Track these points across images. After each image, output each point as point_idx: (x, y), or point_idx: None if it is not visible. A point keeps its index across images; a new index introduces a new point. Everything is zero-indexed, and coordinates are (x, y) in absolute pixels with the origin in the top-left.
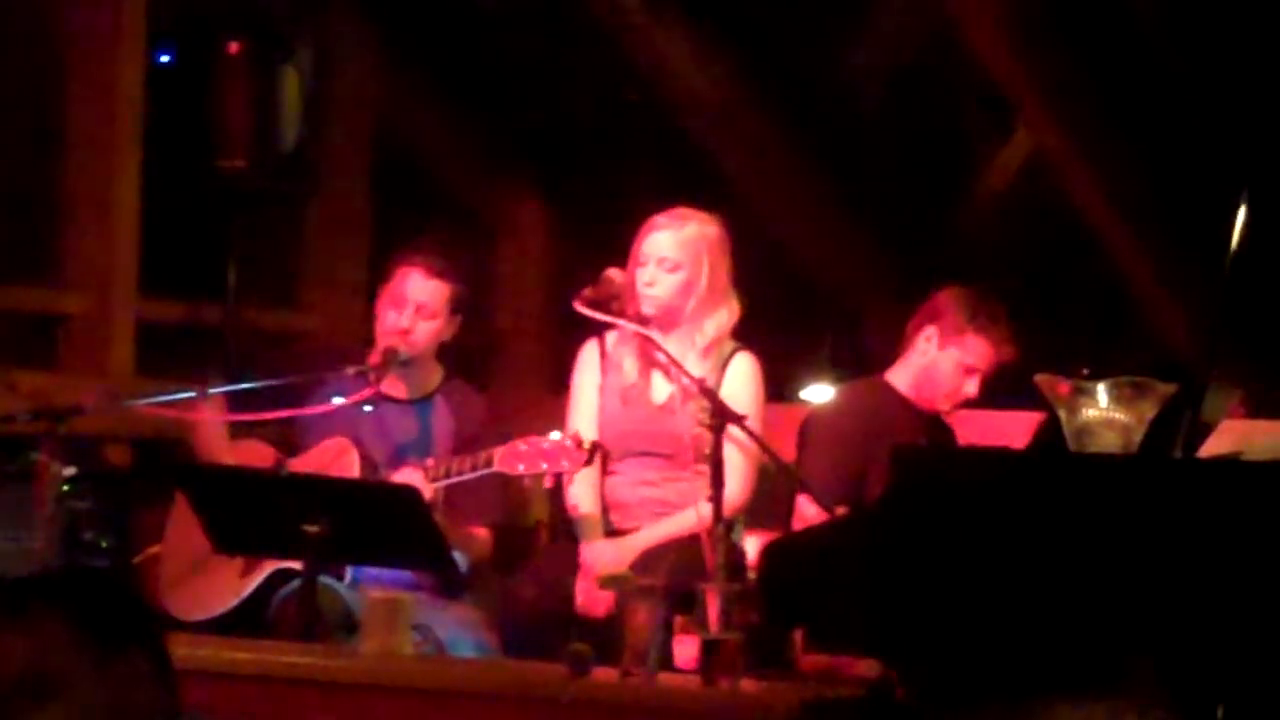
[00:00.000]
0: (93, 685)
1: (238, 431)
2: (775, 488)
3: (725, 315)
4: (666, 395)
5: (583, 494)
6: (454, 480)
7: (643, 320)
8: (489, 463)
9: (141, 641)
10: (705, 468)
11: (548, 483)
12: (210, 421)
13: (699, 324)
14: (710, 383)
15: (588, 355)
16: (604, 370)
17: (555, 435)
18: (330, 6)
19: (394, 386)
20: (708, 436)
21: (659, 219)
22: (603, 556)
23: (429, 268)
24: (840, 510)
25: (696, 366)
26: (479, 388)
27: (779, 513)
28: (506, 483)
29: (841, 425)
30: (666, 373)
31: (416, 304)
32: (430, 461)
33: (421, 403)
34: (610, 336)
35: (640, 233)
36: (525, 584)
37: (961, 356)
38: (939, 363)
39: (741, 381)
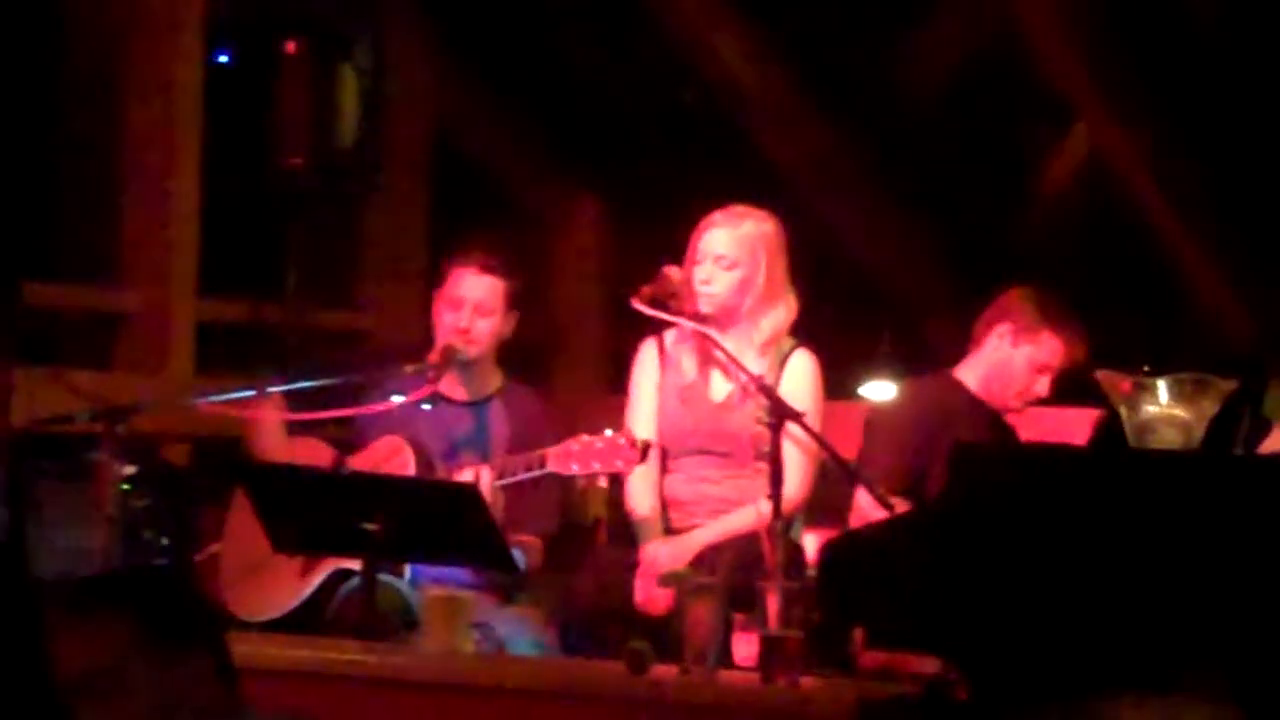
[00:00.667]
0: (156, 684)
1: (296, 430)
2: (834, 485)
3: (783, 312)
4: (725, 393)
5: (641, 496)
6: (508, 480)
7: (700, 318)
8: (543, 463)
9: (204, 641)
10: (764, 465)
11: (602, 482)
12: (269, 420)
13: (756, 322)
14: (769, 380)
15: (646, 354)
16: (663, 369)
17: (609, 434)
18: (388, 5)
19: (453, 388)
20: (767, 434)
21: (716, 216)
22: (661, 554)
23: (482, 265)
24: (899, 506)
25: (754, 364)
26: (538, 388)
27: (838, 510)
28: (563, 485)
29: (906, 420)
30: (725, 371)
31: (473, 303)
32: (493, 460)
33: (479, 404)
34: (669, 335)
35: (697, 230)
36: (584, 582)
37: (1035, 354)
38: (1012, 360)
39: (800, 378)
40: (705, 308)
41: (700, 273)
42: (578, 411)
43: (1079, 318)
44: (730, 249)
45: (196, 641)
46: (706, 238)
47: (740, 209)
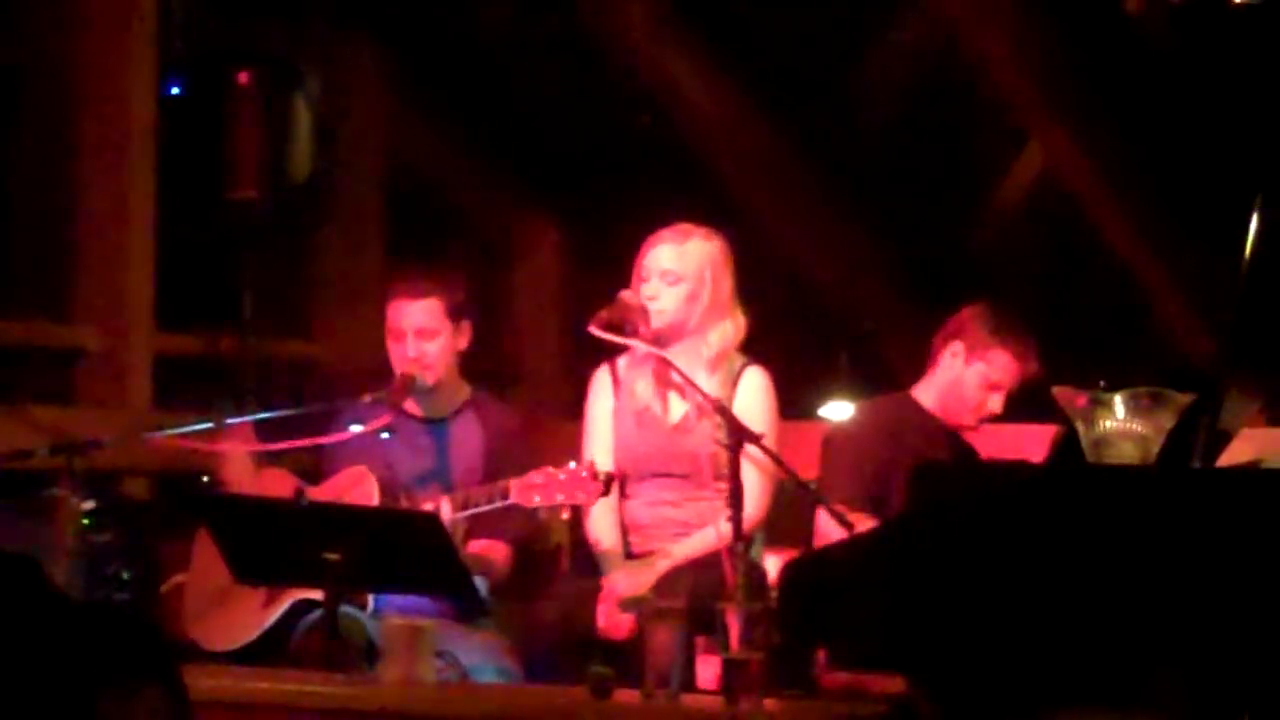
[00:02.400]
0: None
1: (262, 461)
2: (794, 505)
3: (730, 327)
4: (680, 415)
5: (603, 528)
6: (471, 511)
7: (657, 341)
8: (505, 494)
9: (158, 677)
10: (724, 485)
11: (564, 515)
12: (236, 452)
13: (704, 336)
14: (722, 398)
15: (599, 382)
16: (617, 394)
17: (571, 466)
18: (340, 35)
19: (414, 405)
20: (725, 454)
21: (662, 234)
22: (623, 581)
23: (412, 291)
24: (860, 525)
25: (705, 382)
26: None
27: (799, 531)
28: (526, 510)
29: (864, 440)
30: (680, 392)
31: (414, 330)
32: (454, 492)
33: (439, 423)
34: (621, 361)
35: (643, 249)
36: (546, 608)
37: (987, 372)
38: (964, 378)
39: (753, 396)
40: (655, 324)
41: (647, 290)
42: (535, 438)
43: (1031, 333)
44: (675, 264)
45: (152, 678)
46: (652, 255)
47: (686, 226)
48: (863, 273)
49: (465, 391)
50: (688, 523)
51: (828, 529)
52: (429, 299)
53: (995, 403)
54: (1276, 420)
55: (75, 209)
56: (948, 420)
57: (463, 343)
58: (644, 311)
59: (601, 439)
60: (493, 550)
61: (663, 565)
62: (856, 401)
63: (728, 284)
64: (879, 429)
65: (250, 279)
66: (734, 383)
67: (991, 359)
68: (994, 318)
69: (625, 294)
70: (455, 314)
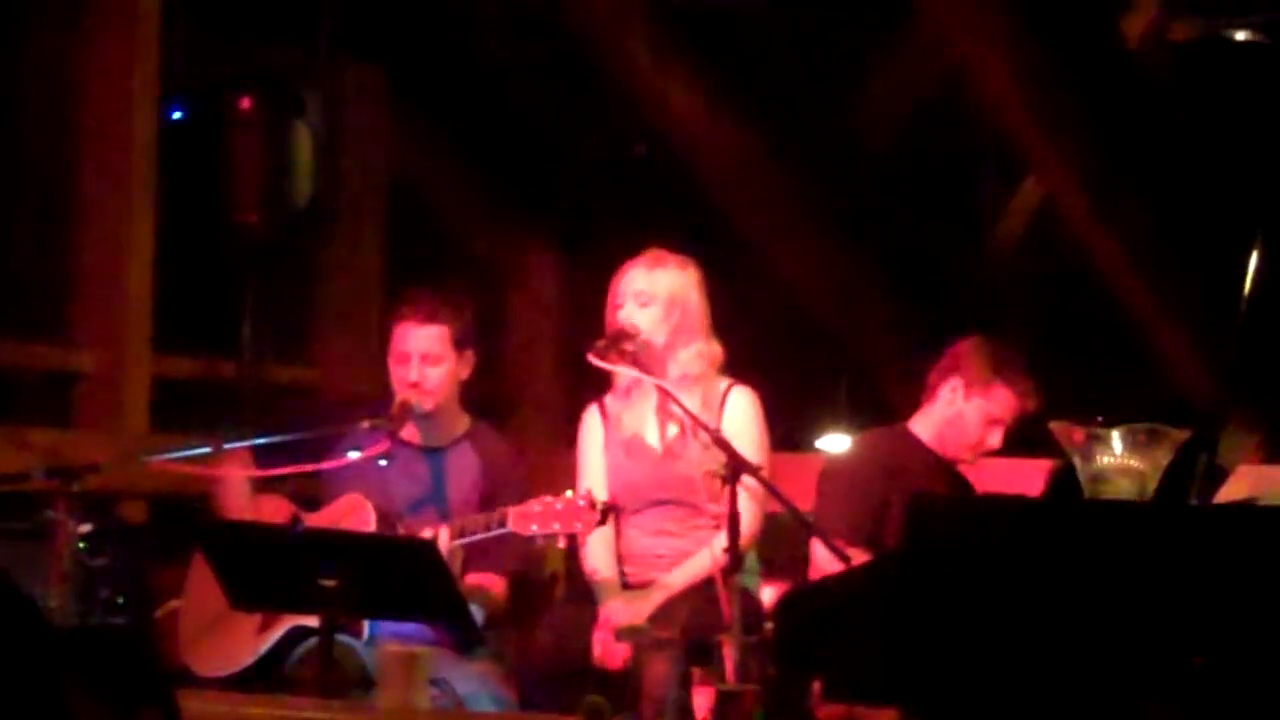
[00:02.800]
0: None
1: (261, 487)
2: (791, 537)
3: (705, 348)
4: (669, 440)
5: (600, 557)
6: (468, 539)
7: (642, 366)
8: (502, 522)
9: (153, 701)
10: (717, 507)
11: (561, 543)
12: (234, 477)
13: (674, 355)
14: (707, 419)
15: (590, 421)
16: (607, 429)
17: (569, 495)
18: (341, 61)
19: (412, 433)
20: (716, 477)
21: (636, 260)
22: (619, 610)
23: (420, 316)
24: (856, 558)
25: (688, 400)
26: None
27: (796, 563)
28: (522, 538)
29: (860, 473)
30: (670, 417)
31: (419, 354)
32: (452, 520)
33: (436, 452)
34: (609, 398)
35: (617, 275)
36: (542, 637)
37: (987, 407)
38: (965, 414)
39: (740, 416)
40: (629, 346)
41: (621, 315)
42: (535, 466)
43: (1029, 368)
44: (647, 285)
45: (146, 702)
46: (625, 279)
47: (659, 253)
48: (861, 304)
49: (464, 422)
50: (686, 552)
51: (824, 561)
52: (437, 325)
53: (995, 438)
54: (1273, 458)
55: (75, 232)
56: (945, 454)
57: (465, 372)
58: (635, 338)
59: (595, 471)
60: (489, 583)
61: (658, 596)
62: (854, 434)
63: (700, 309)
64: (876, 462)
65: (250, 303)
66: (720, 404)
67: (992, 395)
68: (993, 353)
69: (613, 323)
70: (460, 343)
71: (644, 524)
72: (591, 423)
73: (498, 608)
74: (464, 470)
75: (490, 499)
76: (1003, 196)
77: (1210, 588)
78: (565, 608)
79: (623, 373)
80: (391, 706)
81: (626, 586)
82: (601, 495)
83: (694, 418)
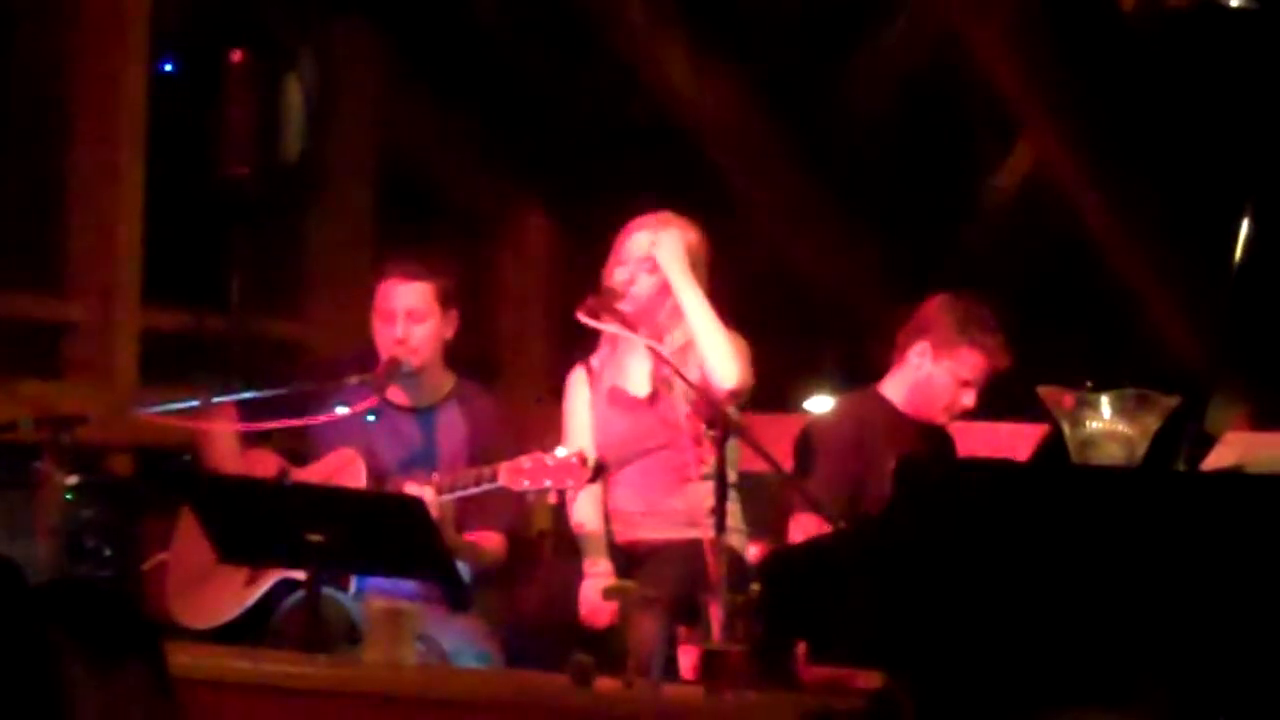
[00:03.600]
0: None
1: (247, 441)
2: (777, 498)
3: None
4: (649, 386)
5: (587, 512)
6: (458, 494)
7: (631, 325)
8: (493, 477)
9: (139, 653)
10: (700, 448)
11: (551, 499)
12: (221, 431)
13: (670, 331)
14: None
15: (575, 382)
16: (593, 389)
17: (560, 452)
18: (334, 16)
19: (399, 394)
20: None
21: (642, 220)
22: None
23: (406, 273)
24: (839, 521)
25: (688, 370)
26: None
27: (782, 523)
28: (515, 493)
29: (837, 436)
30: (660, 378)
31: (405, 311)
32: (436, 475)
33: (425, 411)
34: (595, 359)
35: (623, 233)
36: (529, 594)
37: (956, 369)
38: (934, 377)
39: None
40: (626, 307)
41: (622, 273)
42: (524, 423)
43: (998, 325)
44: (652, 249)
45: (134, 653)
46: (631, 240)
47: (666, 215)
48: (852, 266)
49: (450, 381)
50: (674, 511)
51: (803, 523)
52: (422, 282)
53: (968, 398)
54: (1262, 424)
55: (65, 183)
56: (918, 417)
57: (449, 331)
58: (625, 297)
59: (582, 431)
60: (486, 540)
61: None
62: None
63: (702, 276)
64: (852, 424)
65: (239, 257)
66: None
67: (960, 357)
68: (961, 313)
69: (609, 280)
70: (445, 300)
71: (632, 480)
72: (577, 383)
73: (496, 562)
74: (453, 429)
75: (480, 455)
76: (995, 160)
77: (1197, 553)
78: (553, 566)
79: (611, 331)
80: (377, 661)
81: (613, 545)
82: (590, 451)
83: (684, 378)
